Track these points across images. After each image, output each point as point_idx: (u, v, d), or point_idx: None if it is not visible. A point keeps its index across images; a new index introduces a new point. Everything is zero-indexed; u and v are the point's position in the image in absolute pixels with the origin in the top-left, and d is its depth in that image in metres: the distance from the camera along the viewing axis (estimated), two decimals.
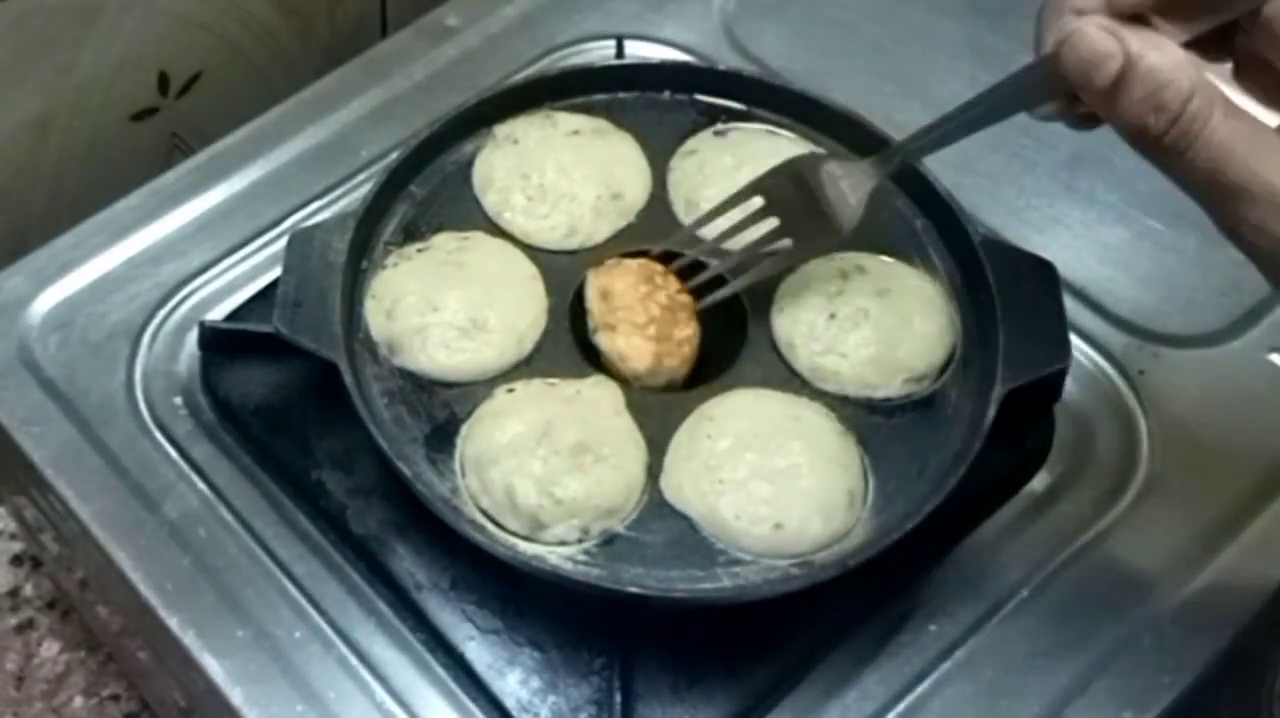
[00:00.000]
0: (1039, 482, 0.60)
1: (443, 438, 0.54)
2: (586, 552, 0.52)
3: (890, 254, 0.60)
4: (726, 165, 0.61)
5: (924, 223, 0.61)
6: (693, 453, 0.54)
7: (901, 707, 0.54)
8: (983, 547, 0.58)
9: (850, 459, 0.54)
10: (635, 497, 0.53)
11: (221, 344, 0.60)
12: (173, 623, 0.54)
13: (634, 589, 0.51)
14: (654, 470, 0.54)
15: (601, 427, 0.54)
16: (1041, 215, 0.67)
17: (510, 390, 0.55)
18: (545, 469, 0.52)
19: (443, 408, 0.55)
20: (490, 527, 0.52)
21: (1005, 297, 0.57)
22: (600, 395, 0.55)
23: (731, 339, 0.58)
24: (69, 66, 0.70)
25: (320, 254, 0.56)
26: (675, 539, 0.53)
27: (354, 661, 0.54)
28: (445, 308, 0.56)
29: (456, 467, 0.54)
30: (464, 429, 0.55)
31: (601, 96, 0.64)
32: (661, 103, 0.65)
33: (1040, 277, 0.58)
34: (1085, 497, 0.59)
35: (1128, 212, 0.68)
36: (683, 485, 0.53)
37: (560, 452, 0.53)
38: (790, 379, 0.57)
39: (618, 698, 0.52)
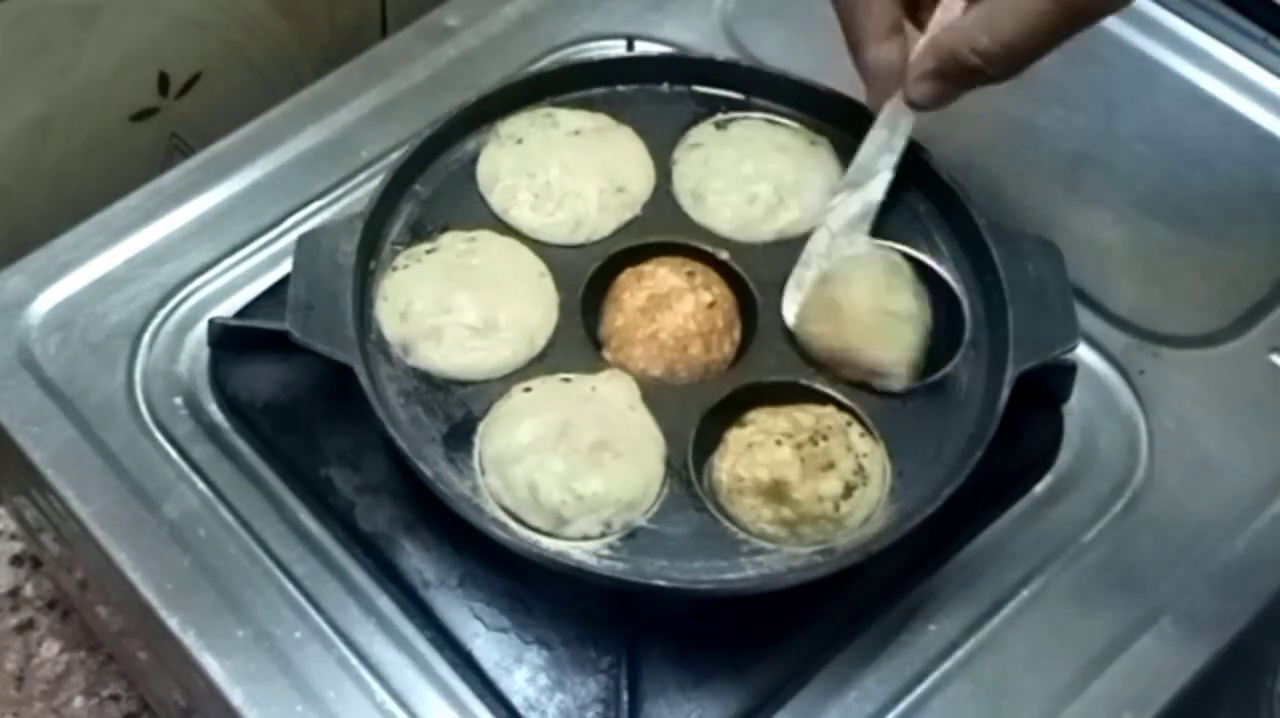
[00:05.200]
0: (1042, 480, 0.60)
1: (460, 437, 0.54)
2: (610, 546, 0.52)
3: (895, 240, 0.60)
4: (730, 159, 0.62)
5: (928, 208, 0.61)
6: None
7: (902, 707, 0.54)
8: (983, 547, 0.58)
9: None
10: (655, 489, 0.53)
11: (231, 341, 0.60)
12: (173, 623, 0.54)
13: (660, 582, 0.51)
14: (673, 463, 0.54)
15: (618, 422, 0.54)
16: (1042, 216, 0.67)
17: (527, 389, 0.55)
18: (567, 466, 0.52)
19: (459, 407, 0.55)
20: (512, 524, 0.53)
21: (1012, 279, 0.57)
22: (615, 390, 0.55)
23: (744, 329, 0.58)
24: (69, 67, 0.70)
25: (329, 256, 0.56)
26: (698, 530, 0.53)
27: (354, 661, 0.54)
28: (458, 309, 0.56)
29: (475, 465, 0.54)
30: (481, 428, 0.55)
31: (601, 90, 0.64)
32: (661, 95, 0.65)
33: (1046, 258, 0.58)
34: (1085, 497, 0.59)
35: (1128, 212, 0.68)
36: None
37: (580, 449, 0.53)
38: (803, 367, 0.57)
39: (625, 696, 0.52)
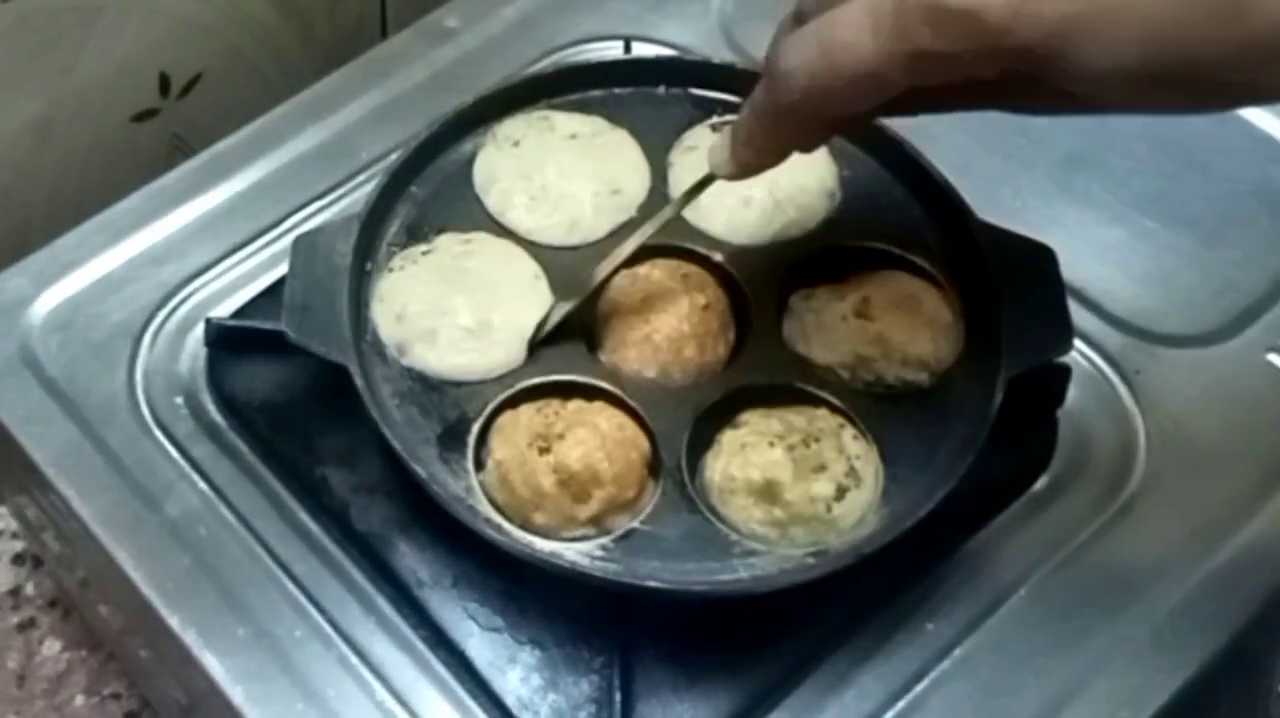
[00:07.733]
0: (1037, 482, 0.60)
1: (454, 437, 0.55)
2: (603, 547, 0.52)
3: (887, 242, 0.60)
4: None
5: (920, 211, 0.61)
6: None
7: (900, 706, 0.54)
8: (980, 547, 0.58)
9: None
10: (650, 492, 0.54)
11: (228, 341, 0.60)
12: (173, 622, 0.54)
13: (653, 583, 0.51)
14: (666, 464, 0.54)
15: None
16: (1039, 216, 0.67)
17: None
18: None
19: (453, 408, 0.55)
20: (506, 525, 0.53)
21: (1005, 282, 0.57)
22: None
23: (738, 331, 0.58)
24: (70, 68, 0.71)
25: (325, 258, 0.56)
26: (690, 532, 0.53)
27: (354, 659, 0.54)
28: (453, 311, 0.57)
29: (469, 466, 0.54)
30: (475, 428, 0.55)
31: (597, 93, 0.65)
32: (657, 98, 0.65)
33: (1039, 261, 0.58)
34: (1083, 497, 0.59)
35: (1124, 212, 0.68)
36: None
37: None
38: (796, 370, 0.57)
39: (618, 696, 0.52)
